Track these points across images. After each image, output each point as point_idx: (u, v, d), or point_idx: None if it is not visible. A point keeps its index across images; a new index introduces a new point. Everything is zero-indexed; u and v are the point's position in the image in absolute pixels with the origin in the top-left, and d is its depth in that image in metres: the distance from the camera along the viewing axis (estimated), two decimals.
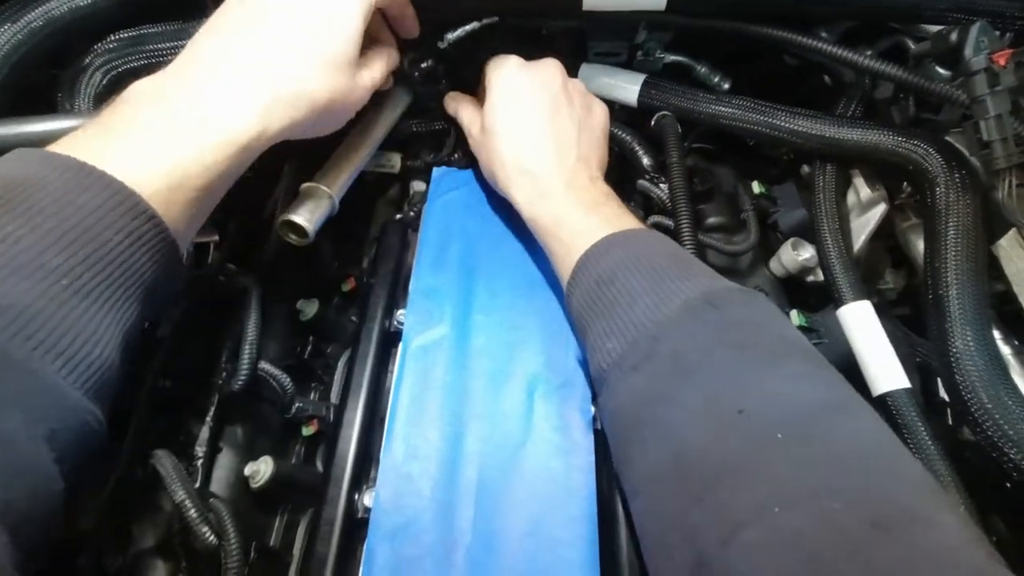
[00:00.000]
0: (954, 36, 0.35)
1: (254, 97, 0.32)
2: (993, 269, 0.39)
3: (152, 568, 0.32)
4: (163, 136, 0.29)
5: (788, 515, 0.22)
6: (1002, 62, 0.33)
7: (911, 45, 0.46)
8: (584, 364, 0.40)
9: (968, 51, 0.34)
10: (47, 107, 0.41)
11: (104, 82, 0.42)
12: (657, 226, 0.47)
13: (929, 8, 0.39)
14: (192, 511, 0.29)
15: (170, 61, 0.41)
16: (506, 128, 0.42)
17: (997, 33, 0.38)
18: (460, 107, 0.48)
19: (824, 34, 0.47)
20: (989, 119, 0.34)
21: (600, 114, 0.46)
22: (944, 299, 0.35)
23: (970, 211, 0.36)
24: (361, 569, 0.32)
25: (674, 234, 0.44)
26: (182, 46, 0.41)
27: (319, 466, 0.43)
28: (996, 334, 0.38)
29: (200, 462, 0.34)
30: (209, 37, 0.35)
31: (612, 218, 0.37)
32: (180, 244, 0.30)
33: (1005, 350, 0.38)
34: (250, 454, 0.39)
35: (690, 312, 0.30)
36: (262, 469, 0.37)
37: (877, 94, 0.45)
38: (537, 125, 0.41)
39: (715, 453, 0.26)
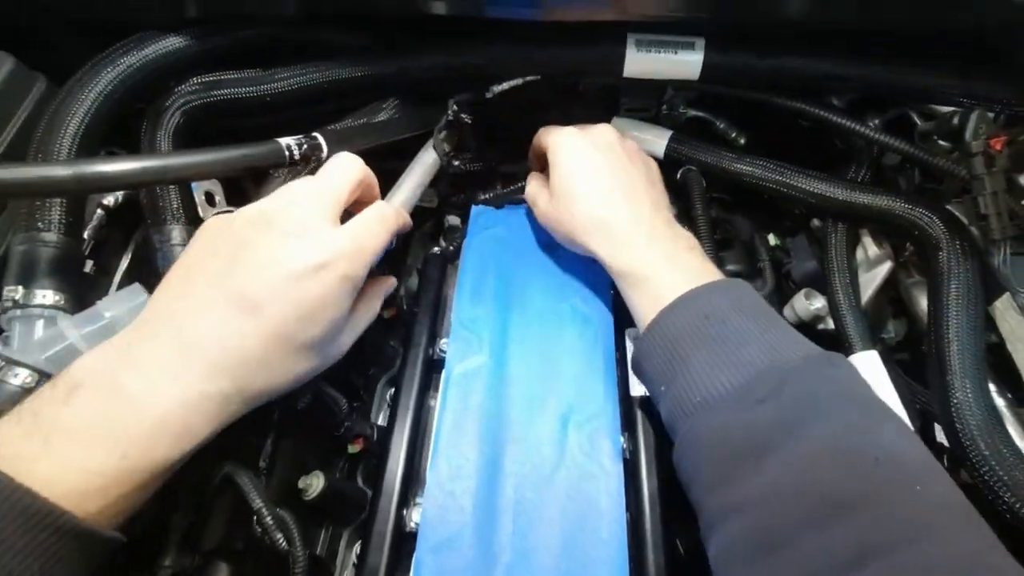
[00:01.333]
0: (956, 120, 0.39)
1: (218, 400, 0.30)
2: (989, 326, 0.43)
3: (219, 570, 0.34)
4: (107, 443, 0.27)
5: (917, 553, 0.25)
6: (998, 147, 0.37)
7: (915, 117, 0.51)
8: (614, 396, 0.43)
9: (968, 135, 0.38)
10: (132, 139, 0.45)
11: (181, 121, 0.46)
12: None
13: (938, 91, 0.44)
14: (268, 518, 0.32)
15: (244, 102, 0.46)
16: (578, 188, 0.44)
17: (991, 115, 0.43)
18: (531, 181, 0.50)
19: (836, 101, 0.52)
20: (986, 195, 0.38)
21: (655, 168, 0.49)
22: (946, 354, 0.39)
23: (970, 275, 0.41)
24: None
25: None
26: (254, 92, 0.46)
27: (359, 482, 0.46)
28: (992, 387, 0.41)
29: (263, 474, 0.37)
30: (177, 306, 0.31)
31: (700, 268, 0.39)
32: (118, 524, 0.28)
33: (999, 402, 0.41)
34: (301, 468, 0.42)
35: (812, 363, 0.33)
36: (315, 483, 0.40)
37: (885, 161, 0.50)
38: (607, 181, 0.44)
39: (848, 487, 0.27)
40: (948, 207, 0.44)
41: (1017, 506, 0.34)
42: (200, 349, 0.30)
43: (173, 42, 0.44)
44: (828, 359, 0.33)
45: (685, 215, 0.53)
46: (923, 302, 0.46)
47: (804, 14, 0.38)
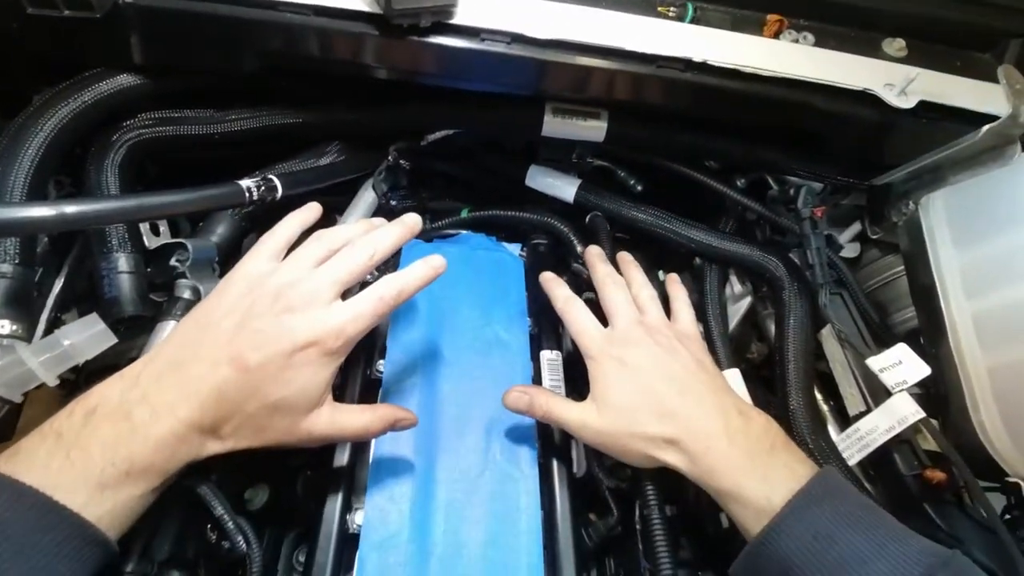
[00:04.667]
0: (791, 192, 0.51)
1: (204, 434, 0.35)
2: (819, 348, 0.55)
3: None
4: (115, 460, 0.32)
5: None
6: (819, 214, 0.49)
7: (770, 180, 0.64)
8: None
9: (800, 203, 0.50)
10: (76, 169, 0.47)
11: (127, 154, 0.48)
12: (589, 301, 0.59)
13: (781, 165, 0.56)
14: (230, 523, 0.35)
15: (191, 139, 0.49)
16: (633, 399, 0.41)
17: (819, 187, 0.56)
18: (556, 405, 0.44)
19: (711, 164, 0.64)
20: (812, 249, 0.50)
21: (695, 335, 0.48)
22: (786, 372, 0.50)
23: (804, 309, 0.52)
24: (355, 573, 0.40)
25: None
26: (203, 131, 0.49)
27: (299, 491, 0.49)
28: (818, 395, 0.53)
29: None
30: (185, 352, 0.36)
31: (786, 463, 0.38)
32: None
33: (824, 408, 0.53)
34: (246, 481, 0.45)
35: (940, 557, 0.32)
36: (259, 495, 0.44)
37: (747, 216, 0.62)
38: (666, 389, 0.41)
39: None
40: (790, 255, 0.56)
41: None
42: (197, 390, 0.35)
43: (126, 80, 0.46)
44: (946, 563, 0.33)
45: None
46: (773, 329, 0.58)
47: (673, 107, 0.48)
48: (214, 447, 0.36)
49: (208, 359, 0.36)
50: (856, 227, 0.63)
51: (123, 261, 0.45)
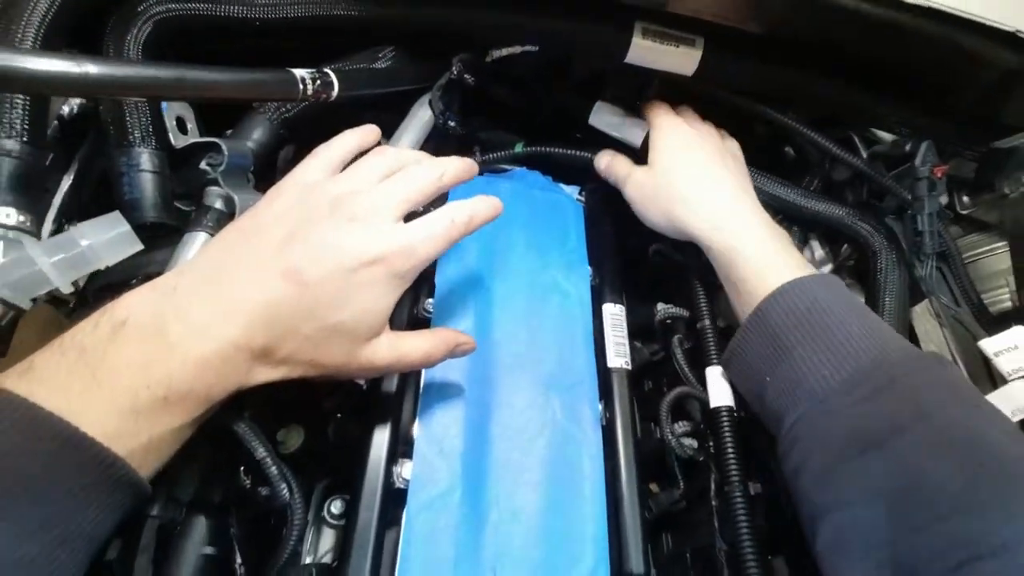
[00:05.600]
0: (908, 147, 0.45)
1: (250, 356, 0.30)
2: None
3: (198, 525, 0.32)
4: (151, 383, 0.27)
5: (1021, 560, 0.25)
6: (939, 174, 0.43)
7: (857, 141, 0.57)
8: (593, 367, 0.45)
9: (918, 161, 0.44)
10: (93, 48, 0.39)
11: (152, 32, 0.41)
12: (660, 252, 0.53)
13: (891, 119, 0.50)
14: (273, 468, 0.30)
15: (227, 22, 0.42)
16: (682, 162, 0.47)
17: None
18: (611, 160, 0.53)
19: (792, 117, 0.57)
20: (924, 215, 0.44)
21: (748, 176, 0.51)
22: None
23: (900, 281, 0.47)
24: (402, 534, 0.35)
25: (678, 264, 0.51)
26: (242, 12, 0.42)
27: (330, 436, 0.44)
28: None
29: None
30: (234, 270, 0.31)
31: (799, 261, 0.41)
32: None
33: None
34: (278, 420, 0.40)
35: (919, 362, 0.34)
36: (294, 437, 0.39)
37: (835, 176, 0.56)
38: (714, 161, 0.47)
39: (955, 487, 0.28)
40: (887, 220, 0.50)
41: None
42: (243, 307, 0.30)
43: None
44: (934, 358, 0.35)
45: None
46: None
47: (793, 31, 0.41)
48: (264, 374, 0.31)
49: (257, 272, 0.30)
50: (944, 199, 0.58)
51: (146, 158, 0.38)
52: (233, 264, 0.31)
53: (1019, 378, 0.40)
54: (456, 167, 0.37)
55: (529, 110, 0.60)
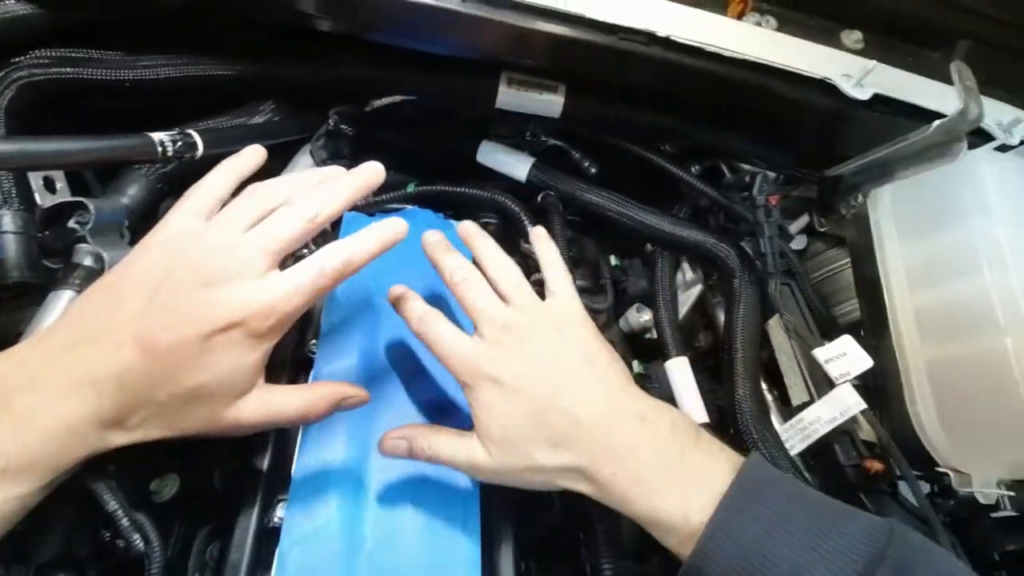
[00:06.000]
0: (747, 179, 0.50)
1: (100, 428, 0.30)
2: (764, 339, 0.55)
3: None
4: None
5: None
6: (774, 202, 0.48)
7: (724, 168, 0.63)
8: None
9: (755, 191, 0.49)
10: None
11: (17, 96, 0.41)
12: (538, 282, 0.57)
13: (739, 151, 0.56)
14: (124, 520, 0.31)
15: (98, 84, 0.43)
16: (521, 427, 0.35)
17: (773, 176, 0.55)
18: (438, 442, 0.38)
19: (667, 148, 0.62)
20: (765, 238, 0.49)
21: (579, 322, 0.40)
22: (733, 360, 0.50)
23: (753, 298, 0.52)
24: (274, 571, 0.36)
25: None
26: (111, 76, 0.43)
27: (215, 483, 0.45)
28: (763, 385, 0.53)
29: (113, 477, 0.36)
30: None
31: (708, 465, 0.33)
32: None
33: (768, 397, 0.53)
34: (155, 471, 0.40)
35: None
36: (169, 485, 0.39)
37: (700, 202, 0.61)
38: (553, 400, 0.35)
39: None
40: (741, 244, 0.55)
41: None
42: (93, 377, 0.30)
43: (19, 8, 0.40)
44: (885, 547, 0.29)
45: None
46: (722, 318, 0.57)
47: (633, 81, 0.46)
48: (118, 439, 0.32)
49: (110, 339, 0.30)
50: (804, 219, 0.64)
51: (8, 219, 0.39)
52: (88, 330, 0.31)
53: (845, 382, 0.45)
54: (341, 195, 0.36)
55: (419, 151, 0.63)
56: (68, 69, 0.42)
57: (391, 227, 0.37)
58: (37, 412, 0.29)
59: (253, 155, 0.37)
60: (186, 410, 0.32)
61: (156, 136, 0.37)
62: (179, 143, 0.38)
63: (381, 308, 0.50)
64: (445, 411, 0.46)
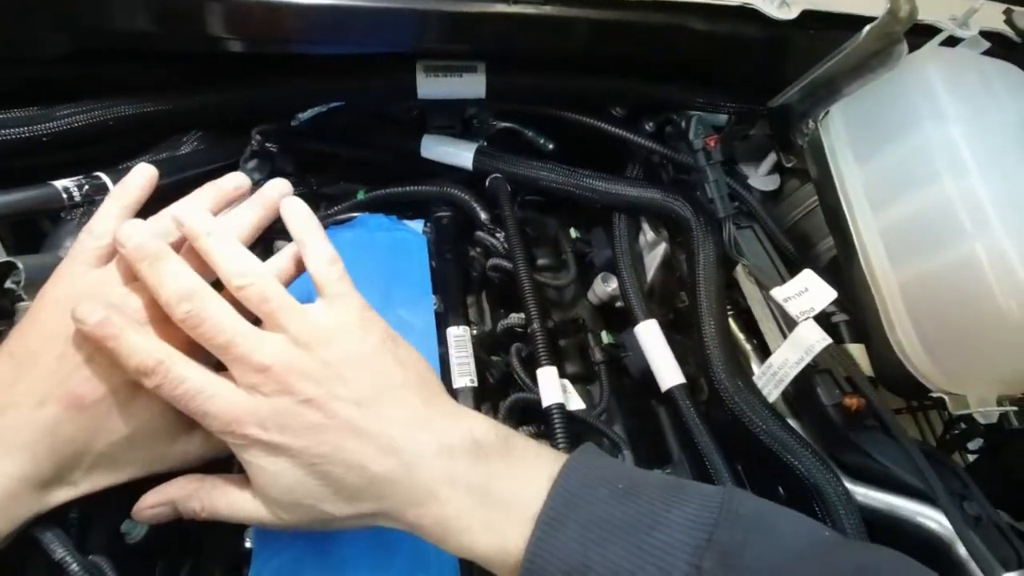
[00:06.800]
0: (683, 124, 0.48)
1: (41, 486, 0.30)
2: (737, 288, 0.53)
3: None
4: None
5: None
6: (712, 143, 0.46)
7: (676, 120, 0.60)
8: None
9: (691, 135, 0.47)
10: None
11: None
12: (496, 268, 0.55)
13: (678, 99, 0.53)
14: (74, 566, 0.31)
15: (15, 144, 0.44)
16: (304, 489, 0.30)
17: (720, 119, 0.53)
18: (219, 505, 0.33)
19: (616, 111, 0.60)
20: (710, 183, 0.47)
21: (352, 322, 0.33)
22: (699, 314, 0.48)
23: (712, 248, 0.50)
24: None
25: (512, 274, 0.53)
26: (26, 132, 0.43)
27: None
28: (740, 335, 0.51)
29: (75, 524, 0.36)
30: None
31: (518, 479, 0.30)
32: None
33: (747, 347, 0.51)
34: (125, 511, 0.41)
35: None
36: (138, 527, 0.40)
37: (653, 159, 0.59)
38: (332, 455, 0.30)
39: None
40: (696, 194, 0.53)
41: (754, 425, 0.43)
42: (23, 441, 0.30)
43: None
44: (714, 527, 0.27)
45: (496, 219, 0.58)
46: None
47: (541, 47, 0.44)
48: (64, 494, 0.32)
49: (30, 400, 0.30)
50: (772, 159, 0.61)
51: None
52: (7, 398, 0.31)
53: (807, 318, 0.42)
54: (242, 228, 0.35)
55: (363, 157, 0.63)
56: None
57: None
58: None
59: (142, 179, 0.36)
60: (130, 455, 0.33)
61: (59, 184, 0.37)
62: (85, 187, 0.38)
63: None
64: None
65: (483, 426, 0.32)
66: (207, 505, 0.33)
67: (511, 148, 0.60)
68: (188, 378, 0.30)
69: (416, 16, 0.43)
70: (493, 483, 0.30)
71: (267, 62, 0.49)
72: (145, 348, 0.30)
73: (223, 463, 0.36)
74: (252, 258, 0.34)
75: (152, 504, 0.34)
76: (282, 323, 0.31)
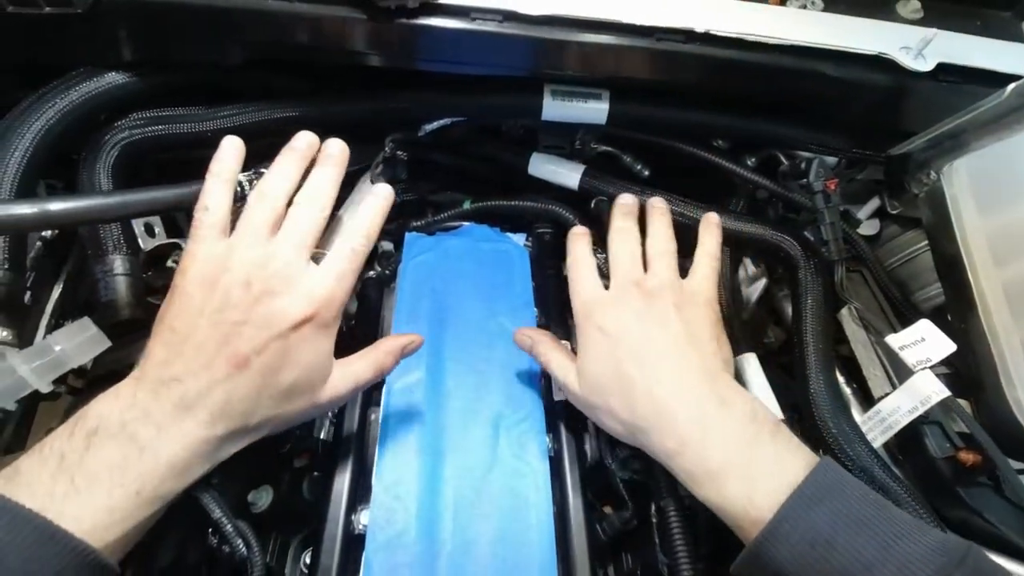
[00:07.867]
0: (803, 166, 0.49)
1: (214, 443, 0.34)
2: (839, 330, 0.53)
3: None
4: (125, 483, 0.30)
5: None
6: (832, 187, 0.47)
7: (781, 157, 0.61)
8: (539, 402, 0.49)
9: (812, 177, 0.48)
10: (70, 173, 0.46)
11: (120, 155, 0.47)
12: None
13: (793, 140, 0.54)
14: (229, 527, 0.34)
15: (184, 138, 0.48)
16: (610, 379, 0.39)
17: (832, 161, 0.53)
18: (551, 357, 0.44)
19: (719, 143, 0.61)
20: (826, 224, 0.47)
21: (704, 306, 0.42)
22: (804, 354, 0.48)
23: (820, 289, 0.50)
24: (361, 574, 0.39)
25: None
26: (194, 128, 0.48)
27: (305, 494, 0.48)
28: (840, 379, 0.51)
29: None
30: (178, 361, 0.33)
31: (776, 456, 0.34)
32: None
33: (847, 391, 0.51)
34: (250, 483, 0.44)
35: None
36: (263, 497, 0.43)
37: (758, 194, 0.59)
38: (648, 364, 0.38)
39: None
40: (804, 233, 0.54)
41: (855, 468, 0.43)
42: (200, 402, 0.33)
43: (115, 79, 0.46)
44: (961, 560, 0.29)
45: (601, 240, 0.60)
46: (790, 311, 0.55)
47: (675, 82, 0.46)
48: (234, 447, 0.35)
49: (202, 367, 0.33)
50: (875, 203, 0.61)
51: (118, 263, 0.44)
52: (180, 367, 0.33)
53: (923, 369, 0.42)
54: (328, 182, 0.38)
55: (472, 169, 0.66)
56: (160, 127, 0.47)
57: (381, 196, 0.40)
58: (159, 443, 0.32)
59: (231, 150, 0.38)
60: (288, 404, 0.36)
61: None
62: (253, 182, 0.42)
63: (444, 325, 0.52)
64: (511, 418, 0.47)
65: (762, 405, 0.38)
66: (546, 354, 0.44)
67: (608, 171, 0.62)
68: (579, 276, 0.44)
69: (557, 45, 0.45)
70: (758, 446, 0.35)
71: (407, 76, 0.52)
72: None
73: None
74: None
75: (525, 334, 0.47)
76: (663, 271, 0.43)
